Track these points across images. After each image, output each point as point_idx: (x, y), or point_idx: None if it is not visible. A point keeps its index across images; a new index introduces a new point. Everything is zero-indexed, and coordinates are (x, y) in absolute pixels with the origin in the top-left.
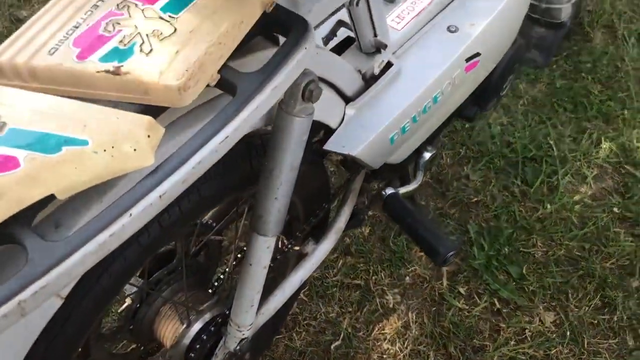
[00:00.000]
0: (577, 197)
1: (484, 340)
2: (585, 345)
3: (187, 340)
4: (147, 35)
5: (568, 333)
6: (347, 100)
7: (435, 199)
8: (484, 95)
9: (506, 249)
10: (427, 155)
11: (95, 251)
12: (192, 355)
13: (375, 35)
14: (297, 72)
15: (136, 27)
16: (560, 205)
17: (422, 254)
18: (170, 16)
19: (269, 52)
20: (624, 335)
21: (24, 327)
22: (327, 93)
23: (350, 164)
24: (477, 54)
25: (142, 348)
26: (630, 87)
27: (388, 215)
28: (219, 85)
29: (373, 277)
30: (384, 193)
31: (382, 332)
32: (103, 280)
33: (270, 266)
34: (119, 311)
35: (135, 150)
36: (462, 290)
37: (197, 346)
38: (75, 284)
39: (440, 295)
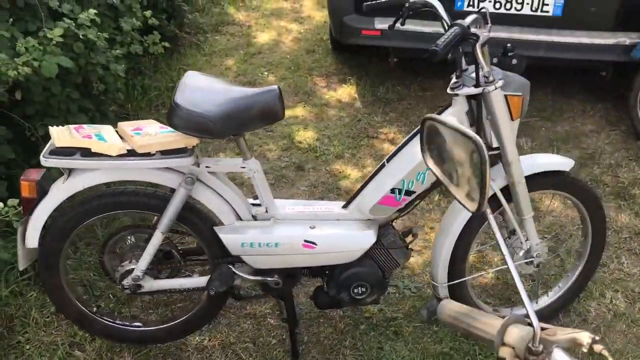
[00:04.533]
0: None
1: None
2: None
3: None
4: (149, 134)
5: None
6: (239, 218)
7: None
8: (336, 294)
9: None
10: (268, 279)
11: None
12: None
13: (263, 201)
14: (174, 165)
15: (146, 132)
16: None
17: None
18: (157, 134)
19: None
20: None
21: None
22: (224, 206)
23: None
24: (314, 243)
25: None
26: None
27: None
28: (152, 155)
29: None
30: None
31: None
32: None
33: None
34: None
35: (107, 142)
36: None
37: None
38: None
39: None
